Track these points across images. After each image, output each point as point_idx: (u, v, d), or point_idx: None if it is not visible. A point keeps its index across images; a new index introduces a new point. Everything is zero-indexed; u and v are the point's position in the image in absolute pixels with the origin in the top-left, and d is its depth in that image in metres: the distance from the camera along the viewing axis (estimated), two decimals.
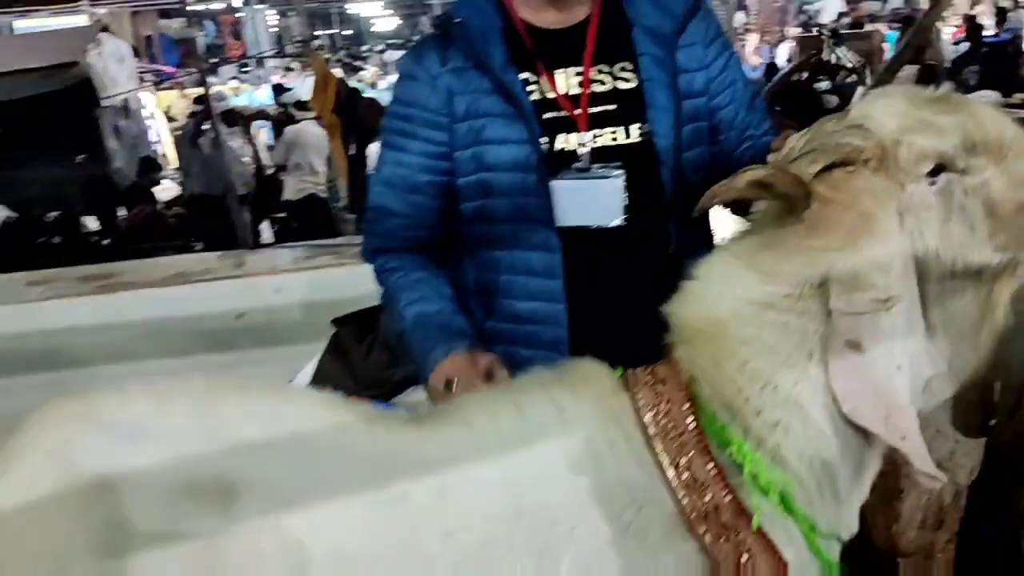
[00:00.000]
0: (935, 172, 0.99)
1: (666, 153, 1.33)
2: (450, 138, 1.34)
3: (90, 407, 1.02)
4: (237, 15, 16.31)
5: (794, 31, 12.62)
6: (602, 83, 1.35)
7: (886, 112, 1.02)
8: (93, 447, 0.98)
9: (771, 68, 10.08)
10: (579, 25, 1.37)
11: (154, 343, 2.24)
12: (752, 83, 1.50)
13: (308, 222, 7.10)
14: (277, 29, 15.98)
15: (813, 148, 1.03)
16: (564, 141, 1.33)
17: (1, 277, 2.61)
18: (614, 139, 1.34)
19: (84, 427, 1.00)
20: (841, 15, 14.18)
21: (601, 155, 1.33)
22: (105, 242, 7.55)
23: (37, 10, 12.57)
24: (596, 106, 1.34)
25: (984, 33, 9.42)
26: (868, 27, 11.11)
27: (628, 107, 1.34)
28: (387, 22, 24.26)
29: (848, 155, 1.00)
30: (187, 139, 7.23)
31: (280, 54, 14.82)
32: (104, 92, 7.40)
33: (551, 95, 1.34)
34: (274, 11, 15.17)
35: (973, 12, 9.65)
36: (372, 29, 25.24)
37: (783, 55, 11.53)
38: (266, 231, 7.27)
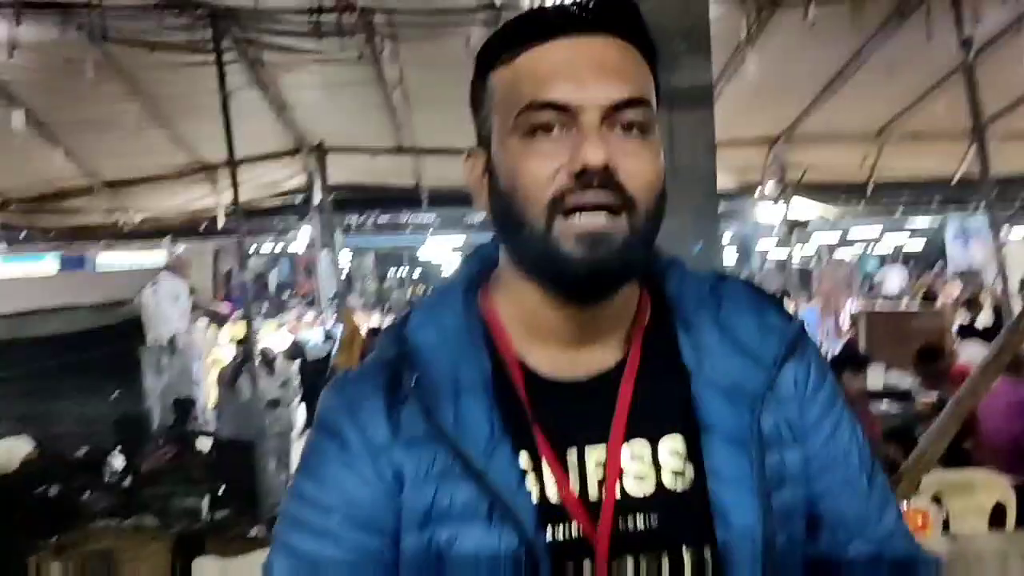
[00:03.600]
0: None
1: None
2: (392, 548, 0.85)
3: None
4: (314, 254, 17.07)
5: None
6: (639, 476, 0.84)
7: None
8: None
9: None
10: (606, 376, 0.87)
11: None
12: (868, 448, 0.94)
13: None
14: (348, 269, 16.57)
15: None
16: (571, 571, 0.81)
17: None
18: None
19: None
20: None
21: None
22: (125, 483, 7.20)
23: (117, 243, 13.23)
24: (626, 517, 0.83)
25: None
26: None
27: (680, 520, 0.82)
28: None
29: None
30: (225, 381, 7.03)
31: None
32: (153, 330, 7.38)
33: (554, 496, 0.83)
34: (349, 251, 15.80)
35: None
36: (440, 273, 26.57)
37: (844, 323, 11.10)
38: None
